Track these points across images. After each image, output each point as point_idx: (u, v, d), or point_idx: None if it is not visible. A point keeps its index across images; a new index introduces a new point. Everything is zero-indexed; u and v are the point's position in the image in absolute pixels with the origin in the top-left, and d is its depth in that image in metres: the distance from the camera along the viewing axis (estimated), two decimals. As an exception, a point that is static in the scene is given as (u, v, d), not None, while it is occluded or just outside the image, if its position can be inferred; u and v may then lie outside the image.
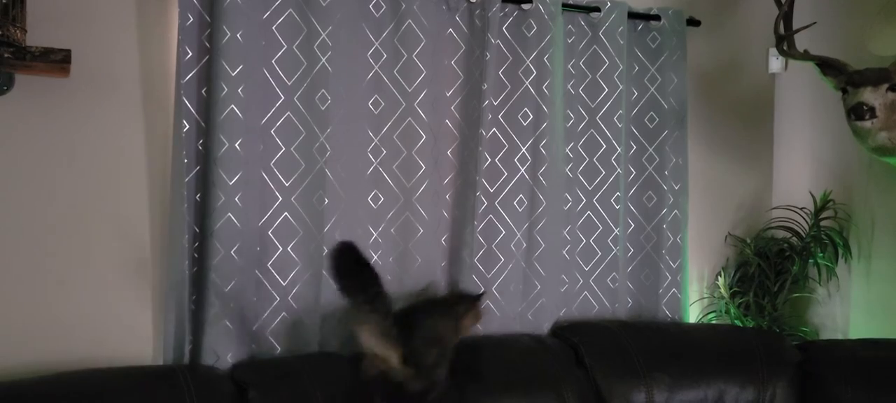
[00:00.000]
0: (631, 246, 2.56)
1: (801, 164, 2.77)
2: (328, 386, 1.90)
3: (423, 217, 2.23)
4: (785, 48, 2.32)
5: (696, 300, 2.71)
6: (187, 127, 1.94)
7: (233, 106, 1.94)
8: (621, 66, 2.45)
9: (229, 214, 1.96)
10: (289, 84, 2.04)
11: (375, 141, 2.17)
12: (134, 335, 1.97)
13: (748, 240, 2.71)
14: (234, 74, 1.94)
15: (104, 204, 1.93)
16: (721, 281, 2.69)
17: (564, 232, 2.43)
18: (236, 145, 1.95)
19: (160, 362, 1.97)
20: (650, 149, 2.56)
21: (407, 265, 2.23)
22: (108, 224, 1.93)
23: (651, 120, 2.55)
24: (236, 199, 1.96)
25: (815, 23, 2.35)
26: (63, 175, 1.89)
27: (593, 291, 2.50)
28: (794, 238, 2.65)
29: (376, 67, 2.15)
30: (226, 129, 1.94)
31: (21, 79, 1.81)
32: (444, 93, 2.25)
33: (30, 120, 1.85)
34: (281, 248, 2.06)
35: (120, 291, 1.95)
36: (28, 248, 1.87)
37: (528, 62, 2.31)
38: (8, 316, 1.84)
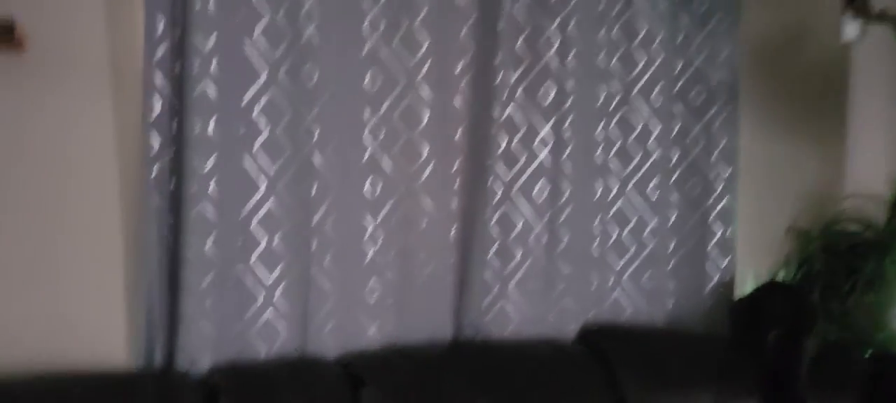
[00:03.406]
0: (672, 240, 2.26)
1: (881, 147, 2.43)
2: (306, 394, 1.71)
3: (427, 208, 2.00)
4: (857, 7, 1.97)
5: (750, 303, 2.39)
6: (158, 108, 1.76)
7: (206, 83, 1.74)
8: (662, 34, 2.16)
9: (203, 204, 1.77)
10: (272, 59, 1.83)
11: (372, 122, 1.94)
12: (105, 337, 1.80)
13: (814, 234, 2.37)
14: (207, 49, 1.74)
15: (70, 193, 1.76)
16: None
17: (593, 225, 2.16)
18: (209, 128, 1.76)
19: (133, 366, 1.80)
20: (696, 130, 2.25)
21: (410, 262, 2.00)
22: (76, 216, 1.77)
23: (697, 95, 2.25)
24: (210, 188, 1.77)
25: (895, -24, 1.98)
26: (22, 163, 1.73)
27: (626, 291, 2.23)
28: (869, 231, 2.32)
29: (372, 39, 1.91)
30: (198, 110, 1.75)
31: (-26, 56, 1.65)
32: (451, 69, 2.00)
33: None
34: (265, 242, 1.86)
35: (89, 290, 1.79)
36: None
37: (549, 32, 2.03)
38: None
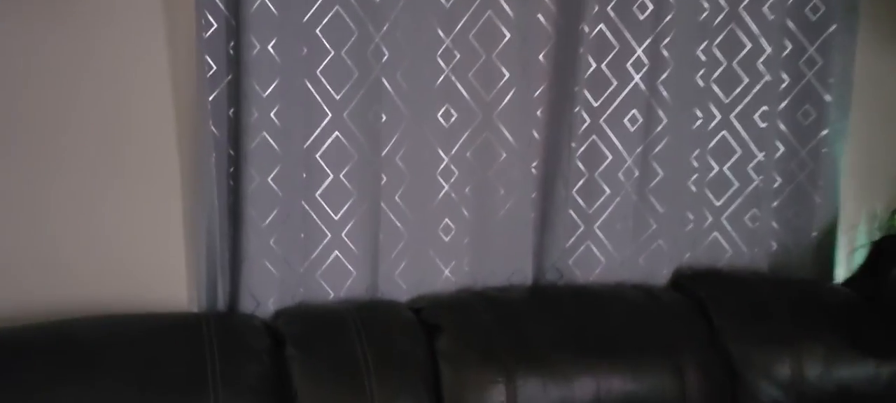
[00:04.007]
0: (778, 175, 2.02)
1: None
2: (378, 341, 1.57)
3: (507, 138, 1.81)
4: None
5: (863, 244, 2.14)
6: (214, 26, 1.59)
7: (264, -3, 1.57)
8: (775, -60, 1.88)
9: (264, 133, 1.62)
10: (336, -30, 1.64)
11: (446, 42, 1.74)
12: (166, 277, 1.70)
13: (940, 169, 2.11)
14: (263, -42, 1.56)
15: (125, 128, 1.63)
16: (899, 220, 2.13)
17: (691, 158, 1.93)
18: (269, 47, 1.59)
19: (195, 308, 1.69)
20: (811, 50, 1.97)
21: (487, 198, 1.83)
22: (132, 152, 1.64)
23: (814, 10, 1.96)
24: (272, 115, 1.62)
25: None
26: (76, 88, 1.60)
27: (726, 232, 2.01)
28: None
29: (446, -52, 1.70)
30: (256, 27, 1.58)
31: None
32: (534, -21, 1.78)
33: (36, 19, 1.56)
34: (332, 175, 1.71)
35: (148, 228, 1.68)
36: (42, 173, 1.61)
37: (645, -64, 1.78)
38: (23, 254, 1.61)
